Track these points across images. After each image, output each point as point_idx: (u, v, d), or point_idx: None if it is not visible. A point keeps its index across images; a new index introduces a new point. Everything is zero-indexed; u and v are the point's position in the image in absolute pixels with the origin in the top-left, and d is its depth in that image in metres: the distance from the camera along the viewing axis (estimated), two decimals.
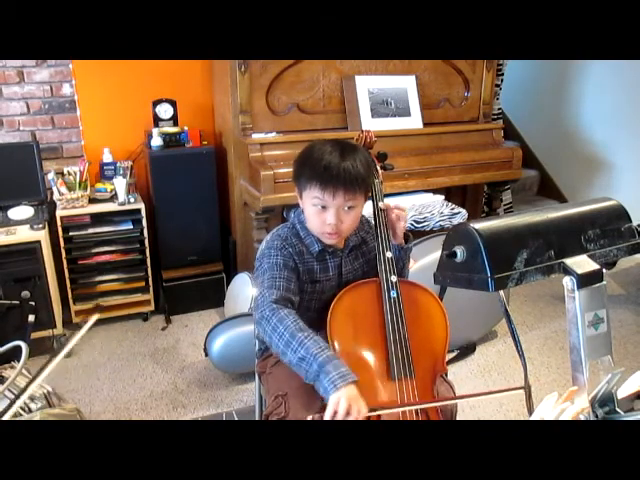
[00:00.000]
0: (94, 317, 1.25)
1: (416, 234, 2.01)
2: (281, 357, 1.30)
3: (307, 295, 1.48)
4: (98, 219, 2.79)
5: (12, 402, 0.96)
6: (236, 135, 2.81)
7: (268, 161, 2.71)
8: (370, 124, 2.91)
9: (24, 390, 0.97)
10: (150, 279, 2.95)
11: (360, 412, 1.16)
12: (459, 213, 2.84)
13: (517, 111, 4.78)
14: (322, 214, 1.39)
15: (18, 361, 1.51)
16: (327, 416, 1.16)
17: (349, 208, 1.39)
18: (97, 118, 3.01)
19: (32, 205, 2.70)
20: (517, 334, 1.01)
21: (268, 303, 1.33)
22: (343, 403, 1.15)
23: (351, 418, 1.15)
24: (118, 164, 2.88)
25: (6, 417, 1.29)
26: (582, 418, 0.86)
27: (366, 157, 1.43)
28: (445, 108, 3.24)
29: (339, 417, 1.15)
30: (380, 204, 1.51)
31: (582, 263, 0.87)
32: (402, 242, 1.53)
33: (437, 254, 0.96)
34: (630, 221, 0.95)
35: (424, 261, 2.34)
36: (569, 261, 0.87)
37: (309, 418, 1.21)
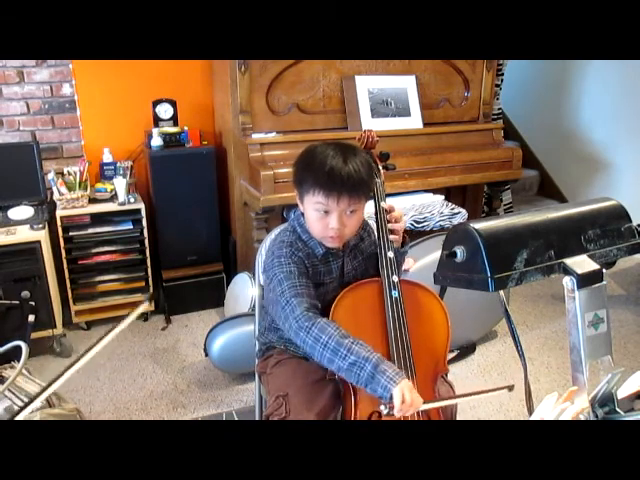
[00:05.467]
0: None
1: (416, 234, 2.01)
2: (326, 364, 1.29)
3: None
4: (98, 219, 2.79)
5: (21, 409, 0.96)
6: (236, 135, 2.81)
7: (268, 161, 2.71)
8: (370, 124, 2.91)
9: (39, 394, 0.97)
10: (150, 279, 2.95)
11: (419, 404, 1.21)
12: (459, 213, 2.84)
13: (517, 111, 4.78)
14: (325, 219, 1.38)
15: (18, 361, 1.51)
16: (396, 406, 1.18)
17: (352, 212, 1.38)
18: (97, 118, 3.02)
19: (32, 205, 2.70)
20: (517, 334, 1.01)
21: (302, 313, 1.32)
22: (407, 394, 1.19)
23: (411, 411, 1.20)
24: (118, 164, 2.88)
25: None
26: (582, 418, 0.86)
27: (367, 159, 1.42)
28: (445, 108, 3.24)
29: (406, 407, 1.18)
30: (382, 204, 1.51)
31: (582, 263, 0.87)
32: (399, 244, 1.53)
33: (437, 254, 0.96)
34: (630, 221, 0.95)
35: (424, 261, 2.34)
36: (569, 261, 0.87)
37: (382, 408, 1.22)
